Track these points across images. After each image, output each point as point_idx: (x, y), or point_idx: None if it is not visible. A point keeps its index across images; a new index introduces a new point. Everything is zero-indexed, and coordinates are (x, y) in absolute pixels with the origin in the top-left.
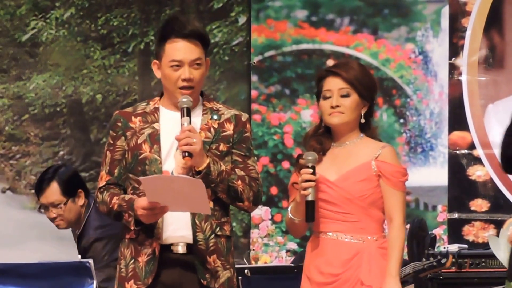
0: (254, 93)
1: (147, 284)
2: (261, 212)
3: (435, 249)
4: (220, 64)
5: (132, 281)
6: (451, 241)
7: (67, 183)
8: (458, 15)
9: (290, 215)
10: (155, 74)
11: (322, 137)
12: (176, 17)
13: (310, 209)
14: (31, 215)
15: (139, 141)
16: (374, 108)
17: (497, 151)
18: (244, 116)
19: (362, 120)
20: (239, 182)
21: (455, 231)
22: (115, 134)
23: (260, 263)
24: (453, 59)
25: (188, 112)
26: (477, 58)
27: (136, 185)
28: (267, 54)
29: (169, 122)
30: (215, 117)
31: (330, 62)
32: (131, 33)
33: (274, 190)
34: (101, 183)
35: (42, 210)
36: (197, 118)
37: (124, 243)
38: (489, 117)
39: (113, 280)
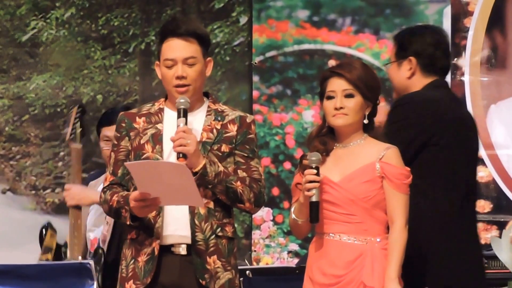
0: (255, 93)
1: (145, 284)
2: (262, 213)
3: None
4: (221, 65)
5: (132, 281)
6: None
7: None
8: (460, 15)
9: (293, 216)
10: (158, 75)
11: (326, 137)
12: (174, 18)
13: (315, 210)
14: (31, 216)
15: (142, 142)
16: (377, 108)
17: (499, 152)
18: (249, 118)
19: (366, 121)
20: (238, 183)
21: None
22: (119, 135)
23: (261, 264)
24: (455, 59)
25: (185, 113)
26: (479, 58)
27: None
28: (268, 54)
29: (173, 123)
30: (218, 118)
31: (331, 63)
32: (132, 33)
33: (275, 191)
34: (105, 183)
35: (101, 144)
36: (200, 119)
37: (126, 243)
38: (491, 118)
39: None
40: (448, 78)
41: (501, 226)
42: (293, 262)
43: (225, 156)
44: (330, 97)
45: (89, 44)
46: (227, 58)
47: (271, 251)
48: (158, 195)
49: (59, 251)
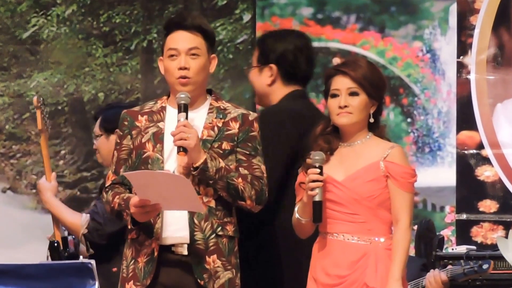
0: None
1: (145, 285)
2: None
3: (443, 251)
4: (225, 62)
5: (132, 282)
6: (459, 242)
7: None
8: (466, 12)
9: (297, 215)
10: (161, 71)
11: (330, 136)
12: (181, 12)
13: (318, 210)
14: (32, 215)
15: (143, 140)
16: (382, 107)
17: (506, 151)
18: (252, 115)
19: (371, 120)
20: (240, 180)
21: (463, 232)
22: (121, 133)
23: None
24: (461, 57)
25: (185, 108)
26: (486, 56)
27: None
28: None
29: (175, 121)
30: (220, 116)
31: (336, 60)
32: (134, 31)
33: None
34: (107, 182)
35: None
36: (202, 117)
37: (127, 243)
38: (498, 117)
39: None
40: (453, 77)
41: (508, 226)
42: None
43: (226, 154)
44: (334, 96)
45: (91, 42)
46: (230, 56)
47: None
48: (158, 202)
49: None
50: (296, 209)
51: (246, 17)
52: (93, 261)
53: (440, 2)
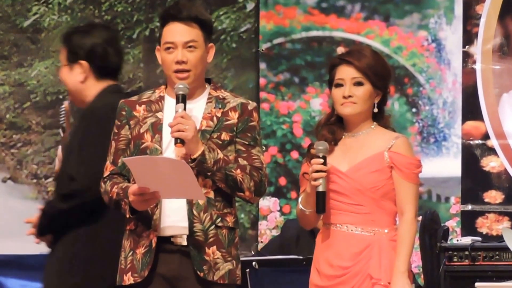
0: (262, 81)
1: (143, 277)
2: (269, 203)
3: (448, 242)
4: (228, 52)
5: (130, 273)
6: (464, 233)
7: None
8: (472, 2)
9: (300, 206)
10: (158, 60)
11: (334, 126)
12: (176, 2)
13: (321, 200)
14: (32, 205)
15: (141, 130)
16: (387, 97)
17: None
18: (251, 105)
19: (376, 110)
20: (238, 171)
21: (468, 224)
22: (119, 123)
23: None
24: (467, 47)
25: (184, 99)
26: (492, 46)
27: None
28: (275, 41)
29: (173, 111)
30: (219, 106)
31: (340, 50)
32: (136, 19)
33: (282, 181)
34: (106, 173)
35: None
36: (201, 107)
37: (125, 234)
38: (503, 107)
39: None
40: (459, 66)
41: None
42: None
43: (226, 144)
44: (338, 85)
45: None
46: (234, 45)
47: None
48: (157, 189)
49: None
50: (299, 199)
51: (250, 5)
52: None
53: None
